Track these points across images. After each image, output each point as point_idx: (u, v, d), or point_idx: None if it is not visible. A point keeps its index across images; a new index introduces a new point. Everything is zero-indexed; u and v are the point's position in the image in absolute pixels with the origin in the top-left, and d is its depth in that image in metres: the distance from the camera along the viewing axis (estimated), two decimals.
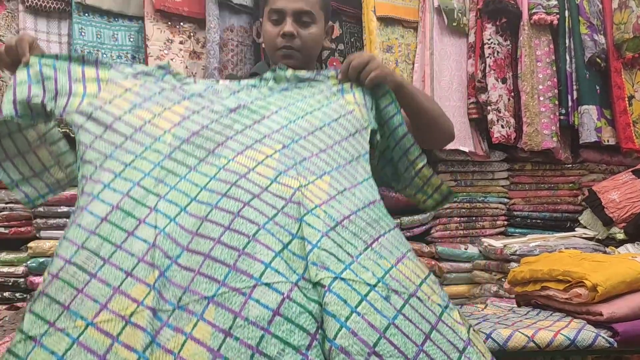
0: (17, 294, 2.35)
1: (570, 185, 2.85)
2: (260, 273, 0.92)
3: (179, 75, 1.27)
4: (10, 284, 2.34)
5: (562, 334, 1.32)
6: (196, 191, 1.02)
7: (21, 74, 1.17)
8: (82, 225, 0.97)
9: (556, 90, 2.72)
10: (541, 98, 2.68)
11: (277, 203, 1.00)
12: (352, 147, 1.17)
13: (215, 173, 1.05)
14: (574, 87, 2.70)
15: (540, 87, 2.69)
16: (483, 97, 2.65)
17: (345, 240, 0.98)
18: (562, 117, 2.70)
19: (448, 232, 2.70)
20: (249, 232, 0.96)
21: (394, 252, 1.02)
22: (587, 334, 1.34)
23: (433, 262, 2.54)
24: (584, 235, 2.56)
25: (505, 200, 2.80)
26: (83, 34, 2.44)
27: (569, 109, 2.69)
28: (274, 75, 1.28)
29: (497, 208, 2.77)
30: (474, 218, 2.75)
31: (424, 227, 2.65)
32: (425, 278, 1.02)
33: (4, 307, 2.06)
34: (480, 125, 2.71)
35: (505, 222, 2.79)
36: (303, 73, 1.29)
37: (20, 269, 2.34)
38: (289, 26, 1.49)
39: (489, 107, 2.63)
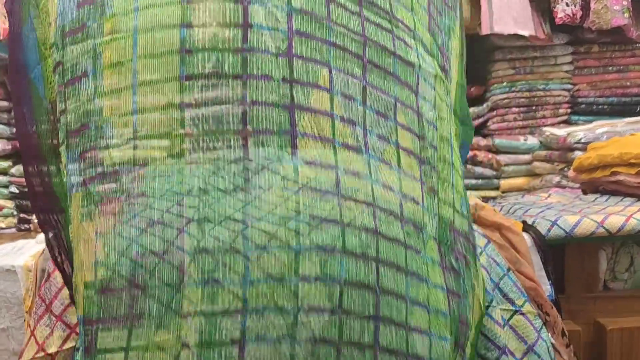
0: None
1: None
2: None
3: None
4: None
5: (635, 218, 1.28)
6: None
7: None
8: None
9: None
10: None
11: None
12: None
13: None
14: None
15: None
16: None
17: None
18: None
19: (506, 123, 2.60)
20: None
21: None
22: None
23: (490, 156, 2.47)
24: None
25: (569, 86, 2.64)
26: None
27: None
28: None
29: (559, 95, 2.63)
30: (534, 107, 2.63)
31: (480, 119, 2.56)
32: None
33: None
34: (541, 4, 2.50)
35: (569, 110, 2.64)
36: None
37: None
38: None
39: None
